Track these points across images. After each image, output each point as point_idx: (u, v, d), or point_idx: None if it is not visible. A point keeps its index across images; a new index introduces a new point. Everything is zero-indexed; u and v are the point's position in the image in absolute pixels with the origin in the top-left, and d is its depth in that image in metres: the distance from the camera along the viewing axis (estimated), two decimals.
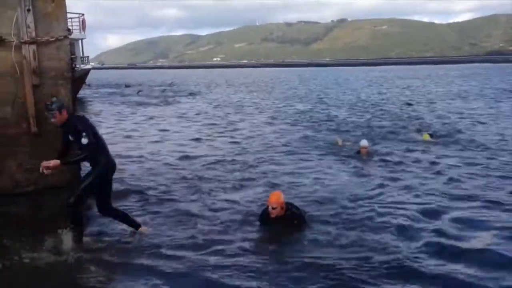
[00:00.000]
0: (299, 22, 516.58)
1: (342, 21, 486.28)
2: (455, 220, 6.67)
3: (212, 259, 5.52)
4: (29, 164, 7.61)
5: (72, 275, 5.24)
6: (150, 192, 8.42)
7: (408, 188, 8.39)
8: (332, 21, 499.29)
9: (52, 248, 5.83)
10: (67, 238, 5.83)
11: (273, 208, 6.13)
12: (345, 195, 7.95)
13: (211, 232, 6.44)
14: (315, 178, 9.26)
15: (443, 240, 5.95)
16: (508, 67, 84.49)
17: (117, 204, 6.92)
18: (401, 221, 6.65)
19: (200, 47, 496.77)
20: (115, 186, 7.07)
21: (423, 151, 11.67)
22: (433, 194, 7.95)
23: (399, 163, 10.44)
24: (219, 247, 5.87)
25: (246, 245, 5.91)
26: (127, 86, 48.79)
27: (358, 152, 11.11)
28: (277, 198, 6.23)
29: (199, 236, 6.27)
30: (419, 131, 14.32)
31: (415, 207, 7.27)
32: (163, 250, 5.83)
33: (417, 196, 7.91)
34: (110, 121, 19.20)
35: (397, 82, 48.65)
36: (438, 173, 9.46)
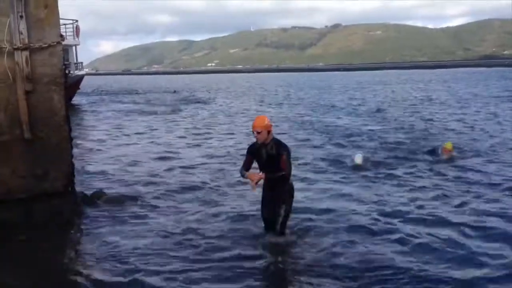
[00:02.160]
0: (294, 27, 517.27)
1: (336, 26, 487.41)
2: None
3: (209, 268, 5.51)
4: (22, 170, 7.57)
5: (66, 280, 5.23)
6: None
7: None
8: (326, 26, 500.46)
9: (44, 254, 5.81)
10: None
11: (258, 133, 5.79)
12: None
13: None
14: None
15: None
16: (500, 71, 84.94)
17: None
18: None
19: (194, 52, 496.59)
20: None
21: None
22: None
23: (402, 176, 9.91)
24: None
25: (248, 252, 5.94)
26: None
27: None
28: (260, 121, 5.86)
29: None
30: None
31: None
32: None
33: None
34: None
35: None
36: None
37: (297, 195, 6.41)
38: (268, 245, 6.09)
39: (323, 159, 11.65)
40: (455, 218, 7.05)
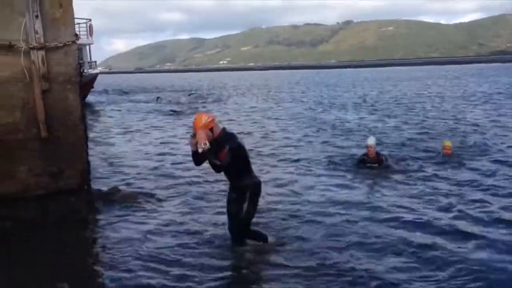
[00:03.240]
0: (305, 24, 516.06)
1: (347, 23, 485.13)
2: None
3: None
4: (39, 168, 7.68)
5: (82, 275, 5.30)
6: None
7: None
8: (337, 23, 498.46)
9: (60, 251, 5.89)
10: None
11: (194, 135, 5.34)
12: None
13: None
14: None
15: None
16: None
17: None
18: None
19: (206, 50, 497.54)
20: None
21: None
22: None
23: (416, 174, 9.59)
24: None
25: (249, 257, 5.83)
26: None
27: (365, 154, 10.03)
28: (198, 122, 5.32)
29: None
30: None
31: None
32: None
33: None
34: None
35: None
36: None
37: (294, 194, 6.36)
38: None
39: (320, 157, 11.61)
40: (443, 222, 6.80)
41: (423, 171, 9.78)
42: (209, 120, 5.36)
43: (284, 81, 65.74)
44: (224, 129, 5.53)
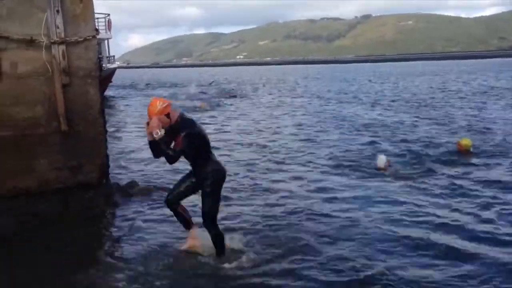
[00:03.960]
0: (322, 19, 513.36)
1: (366, 17, 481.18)
2: None
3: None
4: (59, 162, 7.77)
5: (100, 269, 5.35)
6: None
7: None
8: (355, 17, 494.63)
9: (78, 244, 5.95)
10: None
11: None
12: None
13: None
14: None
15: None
16: None
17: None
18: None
19: (223, 45, 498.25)
20: None
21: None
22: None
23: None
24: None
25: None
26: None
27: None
28: (152, 109, 4.99)
29: None
30: None
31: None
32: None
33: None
34: None
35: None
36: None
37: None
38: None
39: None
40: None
41: (435, 171, 9.39)
42: (164, 105, 5.04)
43: (302, 76, 65.53)
44: (182, 115, 5.26)
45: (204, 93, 33.55)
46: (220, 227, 5.57)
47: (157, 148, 5.04)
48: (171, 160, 5.05)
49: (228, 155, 11.65)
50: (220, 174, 5.38)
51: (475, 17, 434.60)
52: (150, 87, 47.80)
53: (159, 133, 4.95)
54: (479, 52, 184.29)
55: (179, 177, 9.24)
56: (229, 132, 15.83)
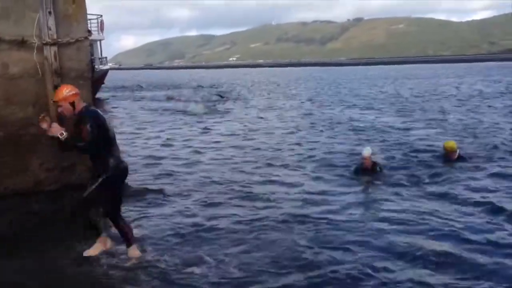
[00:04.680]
0: (315, 21, 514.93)
1: (358, 20, 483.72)
2: None
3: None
4: (51, 163, 7.74)
5: (92, 271, 5.34)
6: None
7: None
8: (348, 20, 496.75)
9: (71, 247, 5.94)
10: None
11: (59, 106, 5.22)
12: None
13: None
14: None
15: None
16: None
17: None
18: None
19: (215, 47, 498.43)
20: None
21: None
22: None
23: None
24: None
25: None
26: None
27: (361, 164, 9.56)
28: (58, 93, 5.21)
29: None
30: None
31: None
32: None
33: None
34: None
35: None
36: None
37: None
38: None
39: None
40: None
41: (419, 176, 9.38)
42: (71, 93, 5.13)
43: (294, 78, 65.67)
44: (87, 106, 5.31)
45: (202, 96, 33.26)
46: (209, 229, 5.58)
47: (65, 146, 5.13)
48: (83, 152, 5.30)
49: (216, 158, 11.69)
50: (120, 169, 5.32)
51: (467, 21, 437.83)
52: (143, 89, 47.46)
53: (64, 134, 5.02)
54: (471, 56, 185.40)
55: (171, 180, 9.42)
56: (219, 134, 15.84)
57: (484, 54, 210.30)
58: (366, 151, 9.58)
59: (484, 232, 6.33)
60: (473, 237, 6.18)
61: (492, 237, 6.15)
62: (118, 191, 5.41)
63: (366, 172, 9.42)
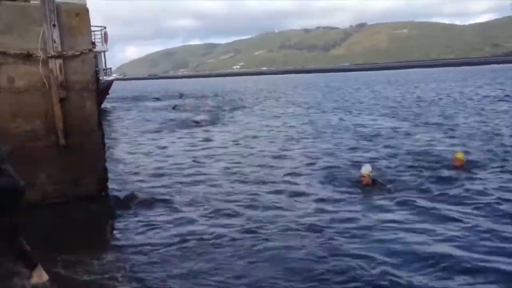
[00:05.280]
0: (318, 28, 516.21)
1: (361, 25, 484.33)
2: None
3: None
4: (57, 175, 7.77)
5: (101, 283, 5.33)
6: None
7: None
8: (350, 26, 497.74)
9: (78, 260, 5.92)
10: None
11: None
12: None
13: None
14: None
15: None
16: None
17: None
18: None
19: (219, 55, 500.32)
20: None
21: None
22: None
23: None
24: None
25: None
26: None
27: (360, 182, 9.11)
28: None
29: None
30: None
31: None
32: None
33: None
34: None
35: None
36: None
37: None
38: None
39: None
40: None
41: (426, 184, 9.11)
42: None
43: (298, 85, 65.71)
44: None
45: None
46: (215, 238, 5.54)
47: None
48: None
49: (220, 167, 11.67)
50: (11, 188, 4.72)
51: (470, 24, 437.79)
52: (184, 97, 46.93)
53: None
54: (475, 59, 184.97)
55: (177, 189, 9.41)
56: (223, 143, 15.77)
57: (488, 57, 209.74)
58: (365, 169, 9.12)
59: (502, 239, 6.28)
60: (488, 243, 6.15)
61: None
62: (16, 209, 4.82)
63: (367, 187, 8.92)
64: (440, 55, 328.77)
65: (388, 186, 9.05)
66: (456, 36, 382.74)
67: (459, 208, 7.66)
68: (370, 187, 8.91)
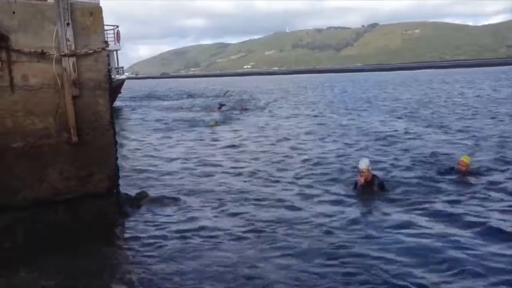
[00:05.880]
0: (329, 28, 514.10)
1: (373, 25, 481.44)
2: None
3: None
4: (69, 172, 7.84)
5: (110, 280, 5.38)
6: None
7: None
8: (362, 26, 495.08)
9: (88, 255, 6.00)
10: None
11: None
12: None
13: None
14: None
15: None
16: None
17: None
18: None
19: (230, 55, 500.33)
20: None
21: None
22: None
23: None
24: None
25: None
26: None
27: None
28: None
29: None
30: None
31: None
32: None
33: None
34: None
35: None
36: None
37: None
38: None
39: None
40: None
41: (429, 191, 8.93)
42: None
43: (309, 85, 65.55)
44: None
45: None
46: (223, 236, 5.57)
47: None
48: None
49: (230, 167, 11.70)
50: None
51: (483, 25, 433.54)
52: (228, 94, 46.95)
53: None
54: (489, 60, 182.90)
55: (186, 187, 9.46)
56: (233, 143, 15.73)
57: (502, 58, 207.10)
58: (363, 163, 8.79)
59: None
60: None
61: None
62: None
63: (367, 188, 8.69)
64: (453, 55, 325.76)
65: (388, 185, 9.04)
66: (468, 37, 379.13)
67: (466, 210, 7.65)
68: (369, 188, 8.73)
